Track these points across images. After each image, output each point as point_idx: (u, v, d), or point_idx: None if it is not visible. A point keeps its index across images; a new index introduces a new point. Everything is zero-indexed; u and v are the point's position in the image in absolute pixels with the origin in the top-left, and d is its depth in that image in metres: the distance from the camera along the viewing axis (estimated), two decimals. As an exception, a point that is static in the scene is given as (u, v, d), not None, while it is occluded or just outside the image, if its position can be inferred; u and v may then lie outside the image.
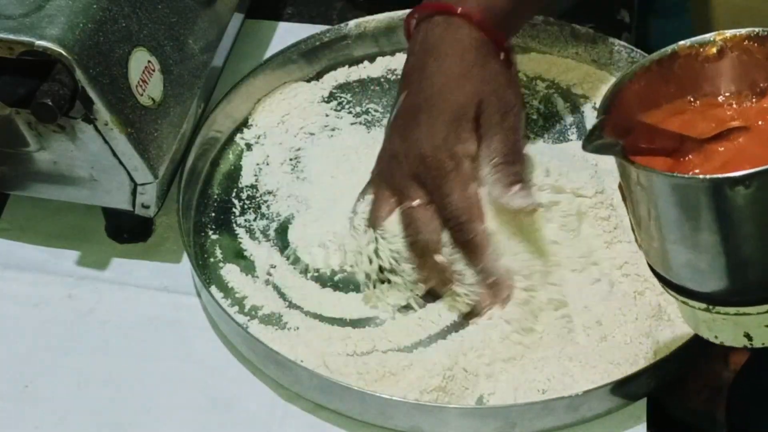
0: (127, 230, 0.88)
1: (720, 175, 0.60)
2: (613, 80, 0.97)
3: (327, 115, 0.97)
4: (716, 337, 0.65)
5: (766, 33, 0.66)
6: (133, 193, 0.81)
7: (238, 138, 0.95)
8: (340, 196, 0.89)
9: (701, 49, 0.68)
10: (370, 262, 0.82)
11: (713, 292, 0.63)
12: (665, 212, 0.62)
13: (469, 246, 0.79)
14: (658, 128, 0.66)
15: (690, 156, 0.64)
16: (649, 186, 0.62)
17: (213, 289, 0.83)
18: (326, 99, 0.98)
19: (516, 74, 0.85)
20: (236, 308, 0.83)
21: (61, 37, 0.74)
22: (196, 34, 0.88)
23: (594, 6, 1.06)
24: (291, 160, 0.93)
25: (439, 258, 0.79)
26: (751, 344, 0.64)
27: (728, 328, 0.64)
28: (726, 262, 0.61)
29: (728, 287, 0.62)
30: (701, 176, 0.61)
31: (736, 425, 0.79)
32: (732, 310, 0.63)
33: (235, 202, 0.90)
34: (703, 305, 0.64)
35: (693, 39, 0.68)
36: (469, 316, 0.81)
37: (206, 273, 0.85)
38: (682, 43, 0.68)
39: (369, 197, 0.83)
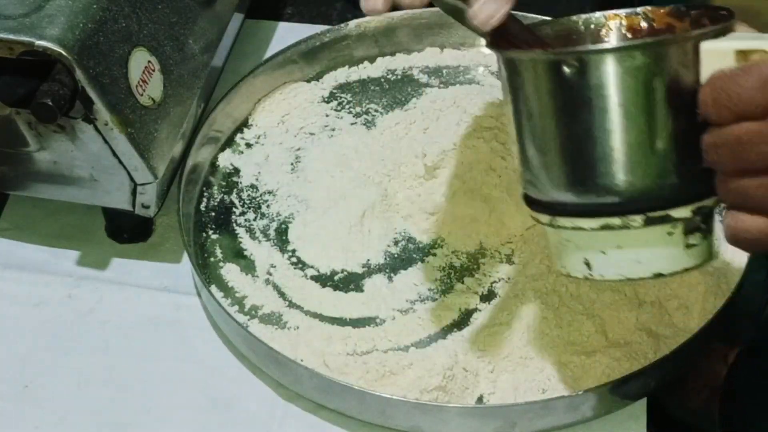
0: (127, 230, 0.88)
1: (543, 51, 0.60)
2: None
3: (327, 115, 0.97)
4: (563, 266, 0.64)
5: (685, 10, 0.66)
6: (133, 193, 0.81)
7: (238, 138, 0.95)
8: (339, 196, 0.89)
9: (629, 21, 0.67)
10: None
11: (552, 200, 0.62)
12: (513, 99, 0.62)
13: None
14: (533, 33, 0.66)
15: None
16: (502, 69, 0.62)
17: (213, 288, 0.83)
18: (326, 99, 0.98)
19: None
20: (236, 308, 0.83)
21: (61, 37, 0.74)
22: (196, 34, 0.88)
23: (594, 6, 1.06)
24: (291, 160, 0.93)
25: None
26: (591, 275, 0.63)
27: (570, 252, 0.63)
28: (554, 156, 0.61)
29: (561, 190, 0.61)
30: (532, 51, 0.62)
31: (731, 420, 0.79)
32: (568, 222, 0.62)
33: (235, 201, 0.90)
34: (547, 218, 0.63)
35: (621, 10, 0.68)
36: None
37: (206, 273, 0.85)
38: (610, 12, 0.68)
39: None
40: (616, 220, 0.60)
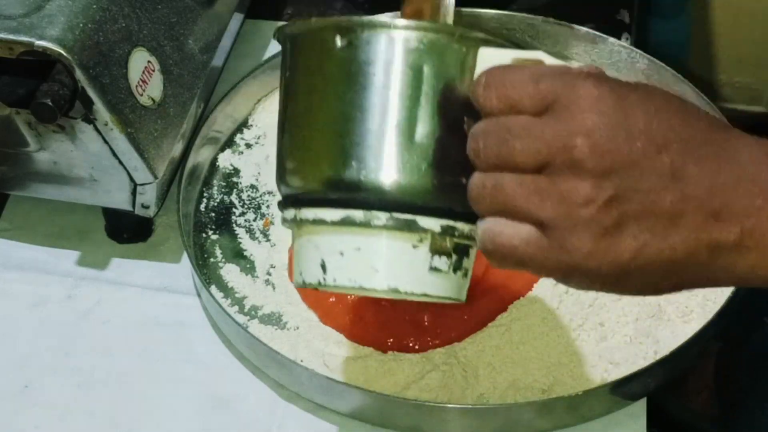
0: (127, 230, 0.88)
1: (317, 19, 0.57)
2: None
3: (327, 115, 0.96)
4: (301, 273, 0.59)
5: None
6: (133, 193, 0.81)
7: (238, 138, 0.95)
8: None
9: None
10: None
11: (298, 191, 0.58)
12: (281, 80, 0.59)
13: None
14: None
15: None
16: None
17: (213, 288, 0.83)
18: (326, 99, 0.98)
19: None
20: (236, 308, 0.83)
21: (60, 37, 0.74)
22: (196, 34, 0.88)
23: (594, 6, 1.06)
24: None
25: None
26: (324, 279, 0.57)
27: (310, 255, 0.58)
28: (306, 136, 0.58)
29: (308, 176, 0.58)
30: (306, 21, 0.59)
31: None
32: (311, 214, 0.57)
33: (235, 202, 0.90)
34: (292, 212, 0.58)
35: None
36: None
37: (206, 273, 0.85)
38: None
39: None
40: (358, 214, 0.56)
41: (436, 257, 0.57)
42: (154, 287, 0.85)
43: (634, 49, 0.96)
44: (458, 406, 0.75)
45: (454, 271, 0.58)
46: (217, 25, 0.92)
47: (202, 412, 0.78)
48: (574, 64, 0.56)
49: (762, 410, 0.82)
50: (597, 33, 0.98)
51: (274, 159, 0.91)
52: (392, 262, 0.57)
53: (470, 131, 0.55)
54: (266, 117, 0.96)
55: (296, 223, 0.58)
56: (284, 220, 0.60)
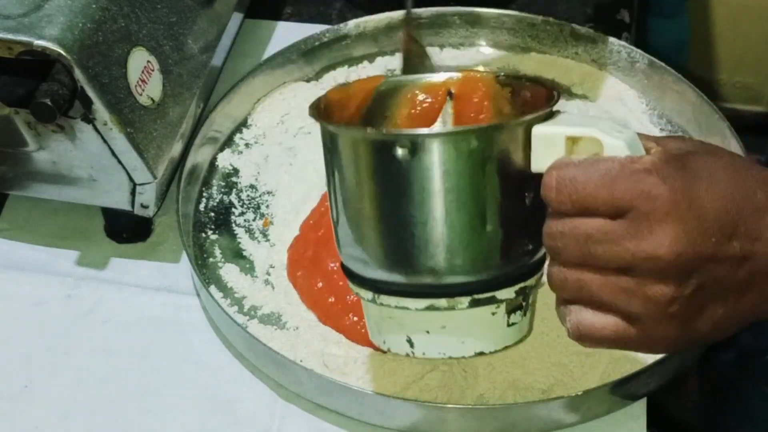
0: (127, 230, 0.88)
1: (374, 130, 0.60)
2: (612, 80, 0.98)
3: (326, 115, 0.96)
4: (384, 342, 0.64)
5: (507, 78, 0.64)
6: (132, 192, 0.81)
7: (237, 138, 0.95)
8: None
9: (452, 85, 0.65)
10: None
11: (377, 278, 0.61)
12: (339, 176, 0.61)
13: None
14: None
15: None
16: (327, 143, 0.62)
17: (212, 288, 0.83)
18: (326, 99, 0.98)
19: None
20: (235, 308, 0.83)
21: (60, 37, 0.74)
22: (195, 33, 0.88)
23: (594, 6, 1.06)
24: (291, 160, 0.93)
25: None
26: (413, 353, 0.62)
27: (394, 330, 0.63)
28: (382, 238, 0.60)
29: (388, 270, 0.61)
30: (362, 129, 0.61)
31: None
32: (393, 301, 0.61)
33: (235, 202, 0.90)
34: (370, 294, 0.62)
35: (449, 74, 0.65)
36: None
37: (205, 273, 0.85)
38: (438, 75, 0.66)
39: None
40: (442, 302, 0.60)
41: (512, 314, 0.62)
42: (153, 287, 0.85)
43: (634, 49, 0.96)
44: (458, 406, 0.75)
45: (525, 314, 0.62)
46: (216, 24, 0.92)
47: (202, 412, 0.78)
48: (629, 130, 0.57)
49: (748, 402, 0.82)
50: (597, 33, 0.98)
51: (273, 158, 0.93)
52: (476, 332, 0.61)
53: (545, 229, 0.58)
54: (265, 117, 0.96)
55: (376, 304, 0.62)
56: (358, 294, 0.63)
